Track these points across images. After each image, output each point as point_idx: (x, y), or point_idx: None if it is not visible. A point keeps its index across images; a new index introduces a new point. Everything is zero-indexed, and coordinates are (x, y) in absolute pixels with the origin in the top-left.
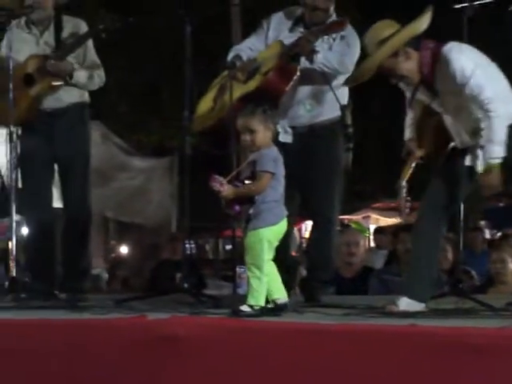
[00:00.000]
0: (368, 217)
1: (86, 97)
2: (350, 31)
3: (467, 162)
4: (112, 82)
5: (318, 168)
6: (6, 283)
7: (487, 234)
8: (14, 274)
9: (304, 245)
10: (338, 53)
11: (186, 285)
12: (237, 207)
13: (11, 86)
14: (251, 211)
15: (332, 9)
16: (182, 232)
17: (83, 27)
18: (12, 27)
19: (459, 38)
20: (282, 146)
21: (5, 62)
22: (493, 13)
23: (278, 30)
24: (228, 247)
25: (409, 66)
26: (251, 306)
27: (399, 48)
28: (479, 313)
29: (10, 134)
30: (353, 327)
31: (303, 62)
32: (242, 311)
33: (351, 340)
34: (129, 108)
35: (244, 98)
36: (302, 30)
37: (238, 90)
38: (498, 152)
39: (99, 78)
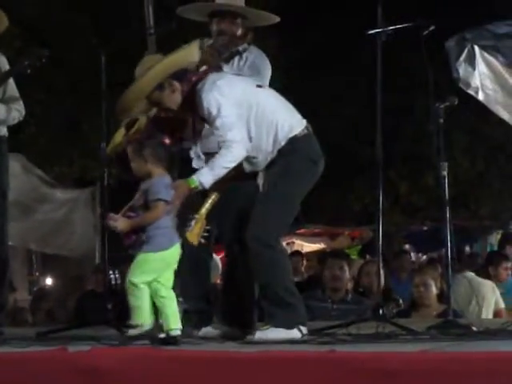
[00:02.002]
0: (292, 243)
1: (4, 131)
2: (257, 53)
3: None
4: (32, 114)
5: (230, 194)
6: None
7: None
8: None
9: None
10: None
11: (109, 316)
12: (132, 237)
13: None
14: (143, 237)
15: (248, 38)
16: (104, 263)
17: (3, 61)
18: None
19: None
20: (195, 173)
21: None
22: (409, 39)
23: None
24: None
25: (174, 98)
26: (136, 326)
27: (163, 79)
28: (400, 337)
29: None
30: (271, 354)
31: None
32: (130, 335)
33: (270, 368)
34: (49, 140)
35: (155, 119)
36: None
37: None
38: (208, 180)
39: (18, 111)
